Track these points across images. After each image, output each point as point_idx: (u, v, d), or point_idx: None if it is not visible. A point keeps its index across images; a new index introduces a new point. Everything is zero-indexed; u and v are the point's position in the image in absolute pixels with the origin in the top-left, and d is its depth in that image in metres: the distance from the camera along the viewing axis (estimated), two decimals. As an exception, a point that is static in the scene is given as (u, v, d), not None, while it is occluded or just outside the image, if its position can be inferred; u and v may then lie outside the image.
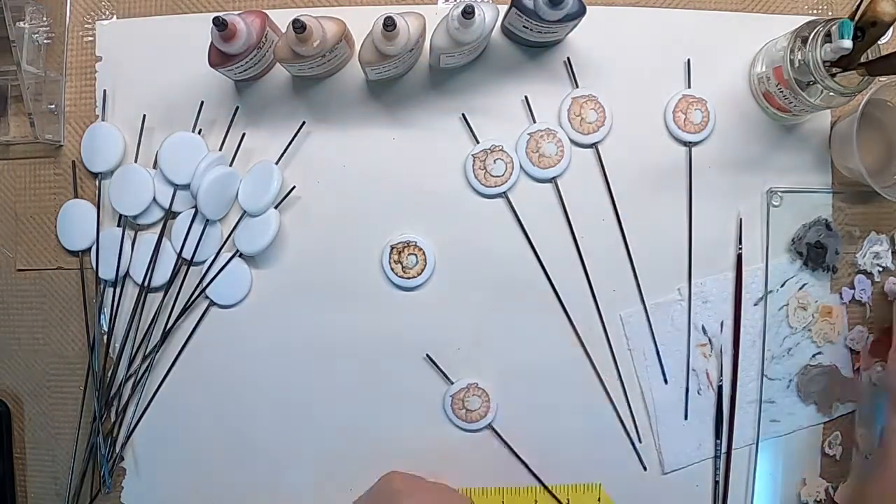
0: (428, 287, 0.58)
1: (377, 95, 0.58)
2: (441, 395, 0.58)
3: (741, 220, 0.58)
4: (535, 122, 0.58)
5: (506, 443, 0.58)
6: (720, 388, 0.58)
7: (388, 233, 0.58)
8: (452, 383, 0.58)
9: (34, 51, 0.57)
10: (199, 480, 0.59)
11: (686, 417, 0.58)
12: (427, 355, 0.58)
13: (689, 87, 0.58)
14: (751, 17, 0.59)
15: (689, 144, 0.58)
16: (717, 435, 0.58)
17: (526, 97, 0.58)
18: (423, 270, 0.58)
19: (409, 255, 0.58)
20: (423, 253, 0.58)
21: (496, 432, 0.58)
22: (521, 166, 0.58)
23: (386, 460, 0.58)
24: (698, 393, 0.59)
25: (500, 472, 0.59)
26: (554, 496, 0.58)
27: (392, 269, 0.58)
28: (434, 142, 0.58)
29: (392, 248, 0.58)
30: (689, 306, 0.58)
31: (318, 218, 0.58)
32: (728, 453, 0.58)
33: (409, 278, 0.58)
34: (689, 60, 0.58)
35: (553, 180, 0.58)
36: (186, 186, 0.57)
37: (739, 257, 0.58)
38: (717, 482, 0.59)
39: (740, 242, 0.58)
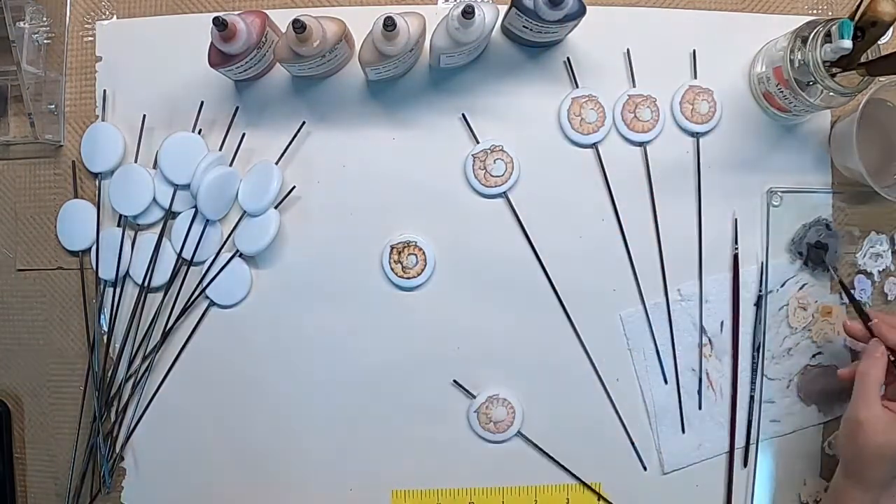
0: (428, 287, 0.58)
1: (377, 95, 0.58)
2: (442, 392, 0.58)
3: (736, 220, 0.58)
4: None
5: (536, 445, 0.58)
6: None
7: (388, 233, 0.58)
8: (474, 397, 0.58)
9: (34, 51, 0.57)
10: (199, 480, 0.59)
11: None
12: (454, 380, 0.58)
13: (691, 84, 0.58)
14: (751, 17, 0.59)
15: (696, 135, 0.58)
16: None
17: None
18: (423, 270, 0.58)
19: (409, 255, 0.58)
20: (423, 253, 0.58)
21: (525, 437, 0.58)
22: (521, 166, 0.58)
23: (385, 459, 0.58)
24: (698, 393, 0.59)
25: (499, 473, 0.59)
26: (591, 486, 0.59)
27: (392, 269, 0.58)
28: (434, 142, 0.58)
29: (392, 248, 0.58)
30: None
31: (318, 218, 0.58)
32: (729, 453, 0.59)
33: (409, 278, 0.58)
34: (694, 51, 0.58)
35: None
36: (186, 186, 0.57)
37: (736, 257, 0.58)
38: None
39: (736, 242, 0.58)
